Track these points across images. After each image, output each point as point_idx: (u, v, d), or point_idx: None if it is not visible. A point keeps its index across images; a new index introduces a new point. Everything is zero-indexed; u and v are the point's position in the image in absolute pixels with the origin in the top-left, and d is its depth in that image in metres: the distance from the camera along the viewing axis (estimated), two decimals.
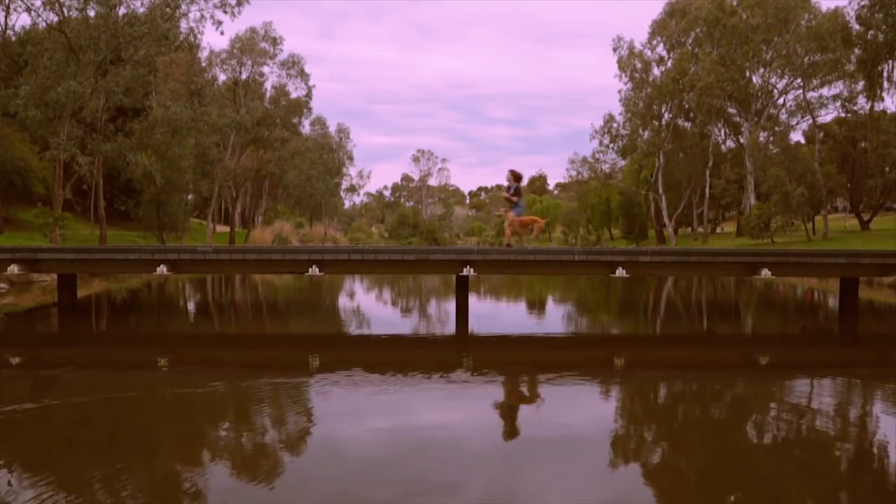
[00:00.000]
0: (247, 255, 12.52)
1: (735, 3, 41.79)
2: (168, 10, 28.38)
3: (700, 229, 49.01)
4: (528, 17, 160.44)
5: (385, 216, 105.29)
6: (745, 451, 5.66)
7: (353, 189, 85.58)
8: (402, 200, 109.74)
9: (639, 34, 70.81)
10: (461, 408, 6.96)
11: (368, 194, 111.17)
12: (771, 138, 42.54)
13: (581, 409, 6.97)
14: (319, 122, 62.16)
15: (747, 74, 43.44)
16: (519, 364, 9.21)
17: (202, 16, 30.52)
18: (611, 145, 52.14)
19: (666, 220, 48.07)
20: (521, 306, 17.86)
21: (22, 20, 65.92)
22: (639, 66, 48.27)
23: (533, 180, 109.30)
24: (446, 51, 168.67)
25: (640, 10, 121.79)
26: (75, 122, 28.88)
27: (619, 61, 48.46)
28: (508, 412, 6.73)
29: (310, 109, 50.33)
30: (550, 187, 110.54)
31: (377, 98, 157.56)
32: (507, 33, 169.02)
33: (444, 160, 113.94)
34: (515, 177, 13.74)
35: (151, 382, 8.02)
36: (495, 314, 15.31)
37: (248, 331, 12.77)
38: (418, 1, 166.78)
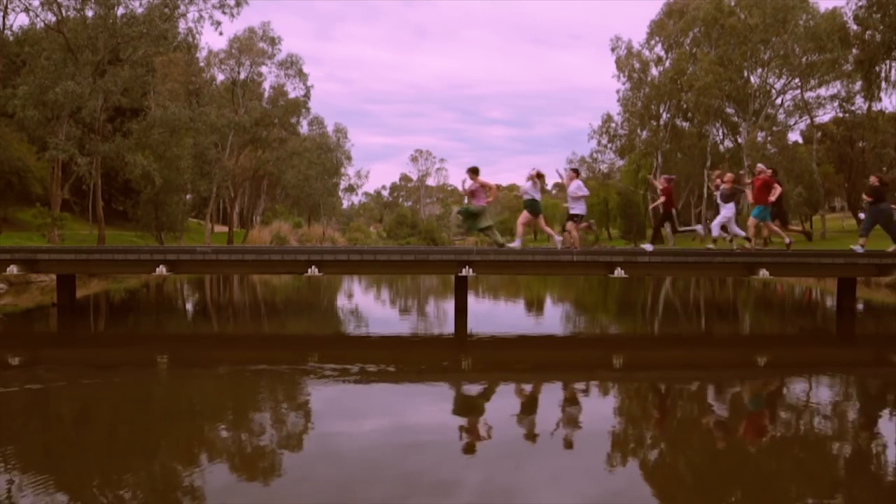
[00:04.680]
0: (246, 255, 12.53)
1: (733, 4, 41.86)
2: (166, 10, 28.40)
3: None
4: (523, 18, 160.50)
5: (383, 216, 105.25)
6: (744, 450, 5.69)
7: (351, 189, 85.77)
8: (401, 200, 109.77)
9: (635, 34, 71.21)
10: (459, 408, 6.98)
11: (366, 194, 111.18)
12: (769, 138, 42.62)
13: (579, 410, 6.99)
14: (317, 122, 62.17)
15: (745, 74, 43.52)
16: (518, 364, 9.23)
17: (200, 16, 30.58)
18: (609, 145, 52.29)
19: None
20: (520, 306, 17.89)
21: (20, 20, 65.81)
22: (637, 66, 48.38)
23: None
24: (442, 51, 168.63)
25: (635, 10, 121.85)
26: (73, 123, 28.89)
27: (618, 61, 48.57)
28: (507, 412, 6.75)
29: (308, 109, 50.38)
30: (549, 187, 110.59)
31: (374, 98, 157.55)
32: (502, 34, 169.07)
33: (441, 160, 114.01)
34: None
35: (146, 378, 8.05)
36: (494, 314, 15.33)
37: (245, 331, 12.77)
38: (413, 2, 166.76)
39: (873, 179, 13.79)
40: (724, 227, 14.09)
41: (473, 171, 13.57)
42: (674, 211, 14.15)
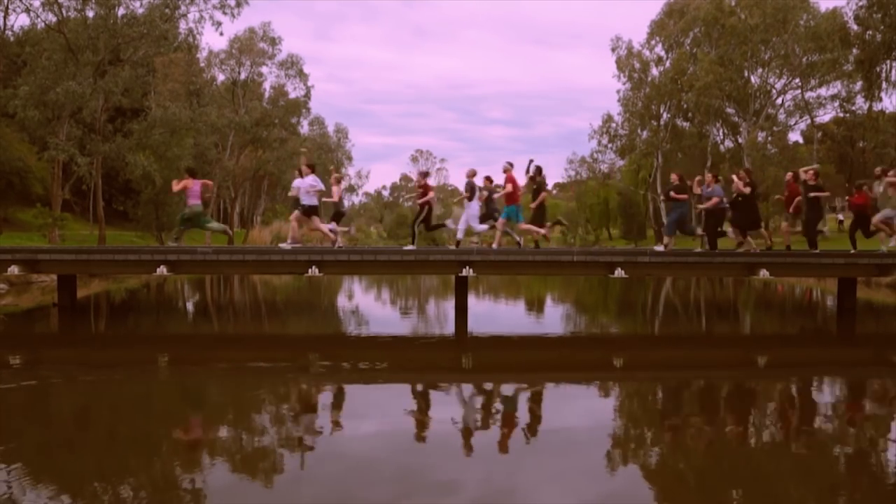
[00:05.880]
0: (246, 255, 12.53)
1: (733, 4, 41.82)
2: (167, 10, 28.39)
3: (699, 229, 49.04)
4: (523, 18, 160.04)
5: (384, 216, 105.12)
6: (744, 450, 5.69)
7: (351, 189, 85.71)
8: (401, 201, 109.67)
9: (635, 34, 71.09)
10: (459, 407, 6.99)
11: (367, 194, 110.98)
12: (769, 138, 42.60)
13: (579, 410, 7.00)
14: (318, 122, 62.21)
15: (746, 74, 43.46)
16: (518, 365, 9.24)
17: (201, 16, 30.54)
18: (609, 145, 52.21)
19: (664, 220, 48.08)
20: (520, 306, 17.89)
21: (21, 20, 65.83)
22: (637, 66, 48.34)
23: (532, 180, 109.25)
24: (442, 51, 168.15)
25: (635, 10, 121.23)
26: (74, 123, 28.87)
27: (618, 61, 48.54)
28: (507, 412, 6.76)
29: (308, 109, 50.35)
30: (549, 187, 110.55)
31: (374, 98, 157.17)
32: (501, 34, 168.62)
33: (442, 160, 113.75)
34: None
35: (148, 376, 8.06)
36: (494, 314, 15.34)
37: (245, 331, 12.79)
38: (413, 2, 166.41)
39: (674, 177, 13.71)
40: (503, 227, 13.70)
41: (190, 173, 13.73)
42: (427, 208, 13.80)
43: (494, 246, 13.40)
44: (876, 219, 13.18)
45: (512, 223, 13.44)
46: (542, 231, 14.13)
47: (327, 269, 12.08)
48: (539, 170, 13.79)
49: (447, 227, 15.43)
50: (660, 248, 12.94)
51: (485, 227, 13.78)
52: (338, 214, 14.31)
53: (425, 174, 14.41)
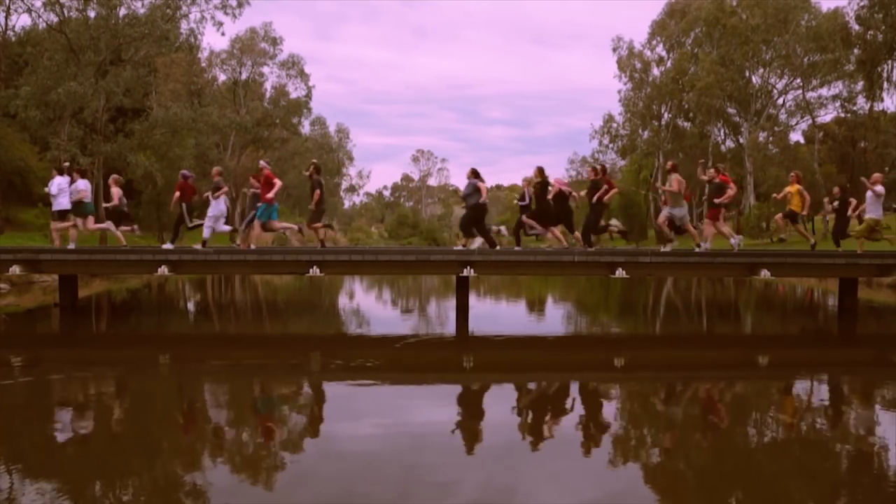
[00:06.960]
0: (247, 255, 12.54)
1: (735, 4, 41.84)
2: (168, 11, 28.47)
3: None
4: (523, 18, 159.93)
5: (385, 216, 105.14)
6: (745, 450, 5.69)
7: (352, 189, 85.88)
8: (402, 200, 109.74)
9: (635, 34, 71.14)
10: (459, 408, 6.99)
11: (368, 194, 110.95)
12: (770, 138, 42.58)
13: (580, 410, 7.00)
14: (319, 122, 62.29)
15: (747, 75, 43.48)
16: (519, 365, 9.24)
17: (202, 17, 30.74)
18: (610, 145, 52.31)
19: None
20: (521, 306, 17.89)
21: (22, 21, 65.90)
22: (638, 66, 48.40)
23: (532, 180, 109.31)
24: (442, 52, 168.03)
25: (635, 10, 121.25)
26: (75, 123, 28.95)
27: (619, 61, 48.59)
28: (507, 412, 6.76)
29: (309, 110, 50.44)
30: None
31: (374, 99, 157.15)
32: (501, 34, 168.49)
33: (443, 160, 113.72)
34: None
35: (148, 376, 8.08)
36: (495, 314, 15.34)
37: (246, 331, 12.80)
38: (413, 2, 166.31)
39: (469, 173, 13.65)
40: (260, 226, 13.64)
41: None
42: (185, 206, 13.79)
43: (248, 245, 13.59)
44: (661, 218, 13.35)
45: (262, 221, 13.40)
46: (295, 227, 15.19)
47: (328, 270, 12.08)
48: (317, 168, 13.52)
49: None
50: (459, 247, 13.04)
51: (227, 227, 14.23)
52: (119, 214, 14.35)
53: (188, 176, 14.25)
